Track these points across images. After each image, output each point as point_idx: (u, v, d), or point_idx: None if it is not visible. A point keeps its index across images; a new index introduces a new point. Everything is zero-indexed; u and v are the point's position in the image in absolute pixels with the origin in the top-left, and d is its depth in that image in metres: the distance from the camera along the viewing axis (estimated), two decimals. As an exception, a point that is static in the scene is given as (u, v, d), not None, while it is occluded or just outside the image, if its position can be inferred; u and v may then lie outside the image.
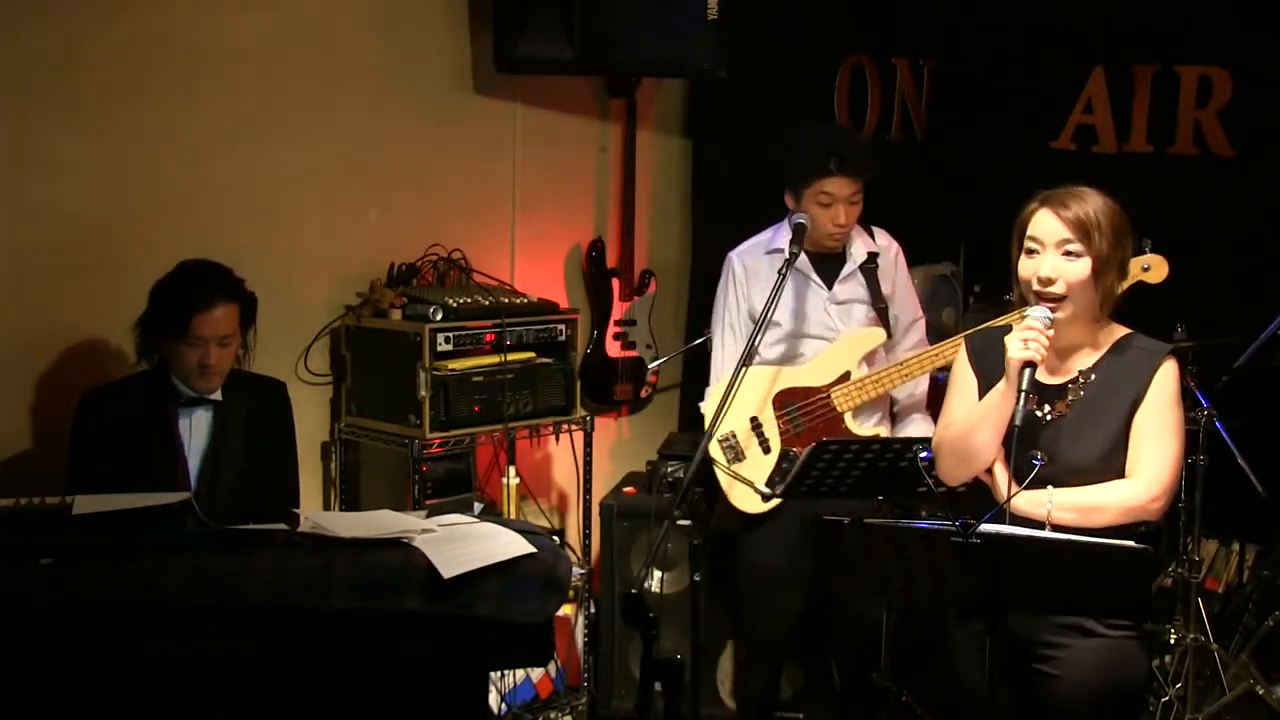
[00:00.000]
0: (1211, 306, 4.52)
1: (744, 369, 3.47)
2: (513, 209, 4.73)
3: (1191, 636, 4.17)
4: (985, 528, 2.56)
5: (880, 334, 3.88)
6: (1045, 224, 2.82)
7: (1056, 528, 2.77)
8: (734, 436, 3.84)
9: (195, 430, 3.43)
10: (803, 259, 3.87)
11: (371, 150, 4.29)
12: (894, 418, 4.04)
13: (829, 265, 3.89)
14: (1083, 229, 2.78)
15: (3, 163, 3.51)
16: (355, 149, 4.25)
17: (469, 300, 4.13)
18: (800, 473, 3.41)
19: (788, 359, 3.88)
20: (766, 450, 3.79)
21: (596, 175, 4.98)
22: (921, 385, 4.03)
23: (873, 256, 3.90)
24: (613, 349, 4.80)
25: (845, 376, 3.84)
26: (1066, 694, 2.83)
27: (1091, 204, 2.81)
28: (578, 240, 4.90)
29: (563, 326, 4.32)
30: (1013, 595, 2.62)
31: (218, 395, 3.45)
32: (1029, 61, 5.25)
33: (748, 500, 3.73)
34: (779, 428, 3.82)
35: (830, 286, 3.88)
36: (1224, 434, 4.09)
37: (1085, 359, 2.90)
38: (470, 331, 4.07)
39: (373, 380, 4.14)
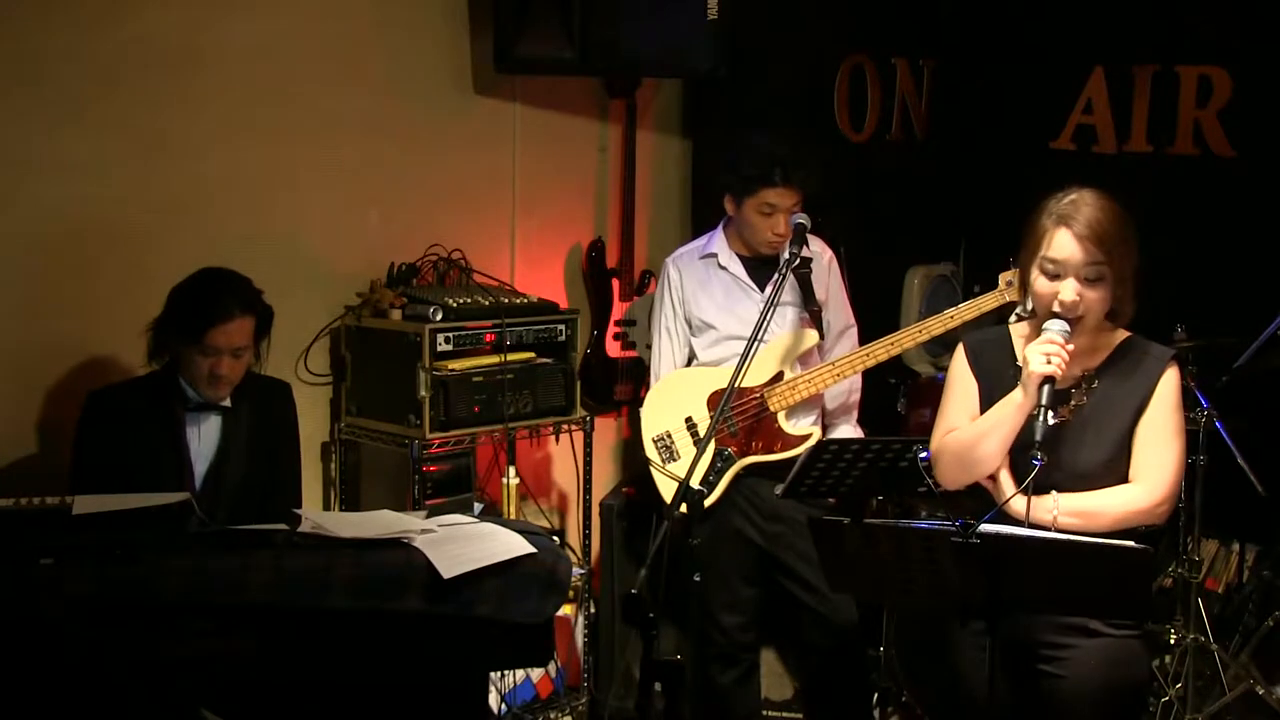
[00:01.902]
0: (1211, 306, 4.52)
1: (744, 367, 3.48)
2: (513, 209, 4.73)
3: (1191, 636, 4.17)
4: (985, 528, 2.56)
5: (813, 336, 3.93)
6: (1066, 248, 2.78)
7: (1062, 532, 2.77)
8: (669, 436, 3.91)
9: (204, 435, 3.42)
10: (736, 263, 3.97)
11: (371, 150, 4.29)
12: (824, 424, 4.07)
13: (762, 268, 3.94)
14: (1104, 249, 2.76)
15: (4, 163, 3.51)
16: (355, 149, 4.24)
17: (469, 300, 4.13)
18: (800, 472, 3.41)
19: (722, 360, 3.94)
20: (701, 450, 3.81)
21: (596, 175, 4.98)
22: (854, 394, 4.09)
23: (805, 260, 3.91)
24: (613, 349, 4.80)
25: (779, 377, 3.88)
26: (1073, 693, 2.82)
27: (1103, 214, 2.78)
28: (578, 240, 4.90)
29: (563, 326, 4.31)
30: (1013, 595, 2.62)
31: (226, 401, 3.43)
32: (1029, 61, 5.25)
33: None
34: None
35: (762, 289, 3.92)
36: (1224, 434, 4.09)
37: (1090, 363, 2.89)
38: (470, 331, 4.07)
39: (373, 380, 4.14)
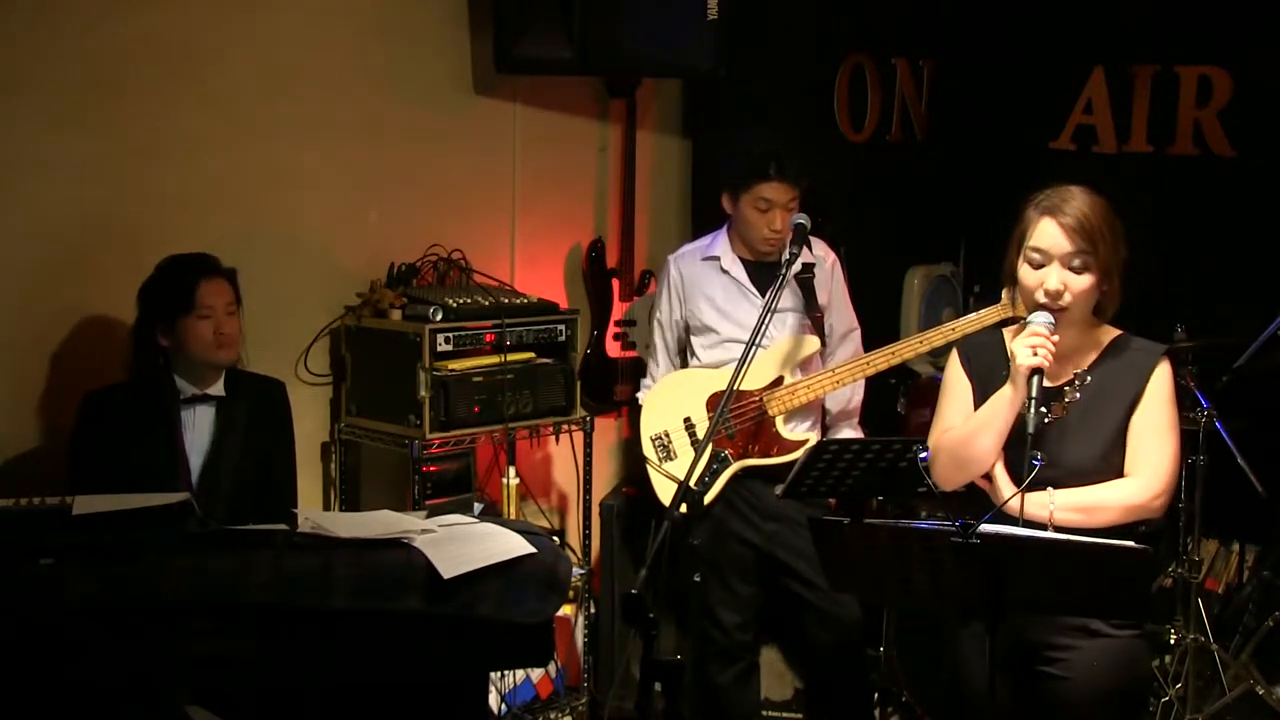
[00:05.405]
0: (1211, 306, 4.52)
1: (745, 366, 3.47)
2: (513, 209, 4.73)
3: (1191, 636, 4.17)
4: (985, 528, 2.56)
5: (814, 342, 3.94)
6: (1050, 236, 2.79)
7: (1059, 529, 2.77)
8: (667, 435, 3.93)
9: (198, 428, 3.45)
10: (738, 266, 3.98)
11: (371, 150, 4.29)
12: (825, 427, 4.07)
13: (764, 272, 3.94)
14: (1089, 239, 2.76)
15: (4, 163, 3.50)
16: (355, 149, 4.24)
17: (469, 300, 4.13)
18: (800, 473, 3.42)
19: (723, 363, 3.94)
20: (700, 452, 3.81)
21: (596, 175, 4.98)
22: (856, 398, 4.10)
23: (808, 266, 3.92)
24: (613, 349, 4.80)
25: (778, 382, 3.89)
26: (1077, 694, 2.82)
27: (1089, 207, 2.79)
28: (578, 240, 4.90)
29: (563, 326, 4.31)
30: (1013, 596, 2.61)
31: (220, 391, 3.47)
32: (1029, 61, 5.26)
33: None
34: None
35: (763, 293, 3.91)
36: (1224, 434, 4.09)
37: (1081, 361, 2.89)
38: (470, 332, 4.07)
39: (373, 380, 4.14)
